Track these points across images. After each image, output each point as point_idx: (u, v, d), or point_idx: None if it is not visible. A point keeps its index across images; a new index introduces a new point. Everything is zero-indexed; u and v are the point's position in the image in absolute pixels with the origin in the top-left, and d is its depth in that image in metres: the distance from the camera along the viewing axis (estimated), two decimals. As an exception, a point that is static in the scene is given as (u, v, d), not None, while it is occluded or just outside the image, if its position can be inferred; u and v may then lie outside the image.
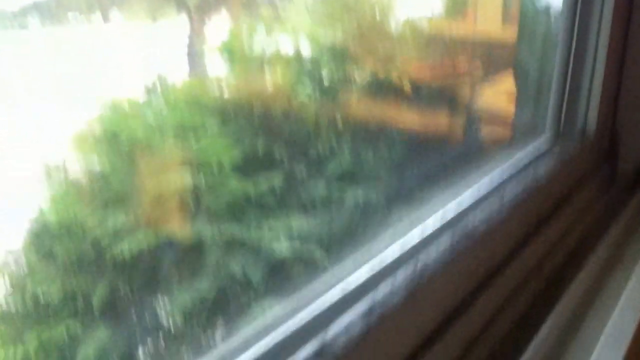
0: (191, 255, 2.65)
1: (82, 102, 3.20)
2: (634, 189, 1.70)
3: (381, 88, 3.41)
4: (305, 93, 3.35)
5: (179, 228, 2.69)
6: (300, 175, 2.99)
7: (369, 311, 0.85)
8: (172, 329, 2.68)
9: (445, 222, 1.10)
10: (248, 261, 2.62)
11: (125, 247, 2.61)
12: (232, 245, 2.65)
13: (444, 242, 1.03)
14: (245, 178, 2.88)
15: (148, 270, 2.71)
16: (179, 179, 2.76)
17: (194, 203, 2.77)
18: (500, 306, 1.12)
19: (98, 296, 2.60)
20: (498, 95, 3.80)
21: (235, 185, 2.82)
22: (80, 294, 2.67)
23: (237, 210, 2.80)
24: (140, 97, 3.25)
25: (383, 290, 0.90)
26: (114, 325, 2.62)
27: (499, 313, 1.10)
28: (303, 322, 0.83)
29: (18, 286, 2.80)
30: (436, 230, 1.07)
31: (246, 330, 0.83)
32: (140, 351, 2.65)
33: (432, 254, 1.00)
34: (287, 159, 3.04)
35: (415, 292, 0.91)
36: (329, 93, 3.37)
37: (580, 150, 1.54)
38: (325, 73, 3.43)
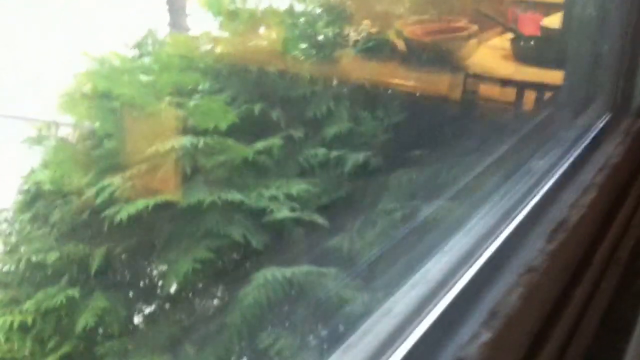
0: (189, 219, 2.61)
1: (68, 57, 3.11)
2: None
3: (377, 47, 3.36)
4: (300, 50, 3.29)
5: (176, 192, 2.64)
6: (299, 138, 2.94)
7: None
8: (171, 295, 2.66)
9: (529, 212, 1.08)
10: (248, 226, 2.58)
11: (121, 211, 2.55)
12: (230, 209, 2.61)
13: (538, 234, 1.02)
14: (242, 141, 2.83)
15: (145, 235, 2.66)
16: (174, 141, 2.69)
17: (191, 166, 2.72)
18: (591, 294, 1.12)
19: (96, 261, 2.56)
20: (493, 53, 3.78)
21: (232, 147, 2.76)
22: (77, 259, 2.62)
23: (235, 174, 2.75)
24: (129, 52, 3.17)
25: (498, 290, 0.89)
26: (112, 291, 2.59)
27: (590, 301, 1.11)
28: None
29: (11, 247, 2.75)
30: (524, 221, 1.05)
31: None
32: (138, 317, 2.63)
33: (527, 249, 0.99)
34: (284, 122, 2.98)
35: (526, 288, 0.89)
36: (324, 51, 3.31)
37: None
38: (319, 30, 3.36)
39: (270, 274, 2.42)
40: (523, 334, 0.89)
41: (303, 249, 2.66)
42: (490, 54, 3.71)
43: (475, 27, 3.69)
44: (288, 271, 2.43)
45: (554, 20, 4.20)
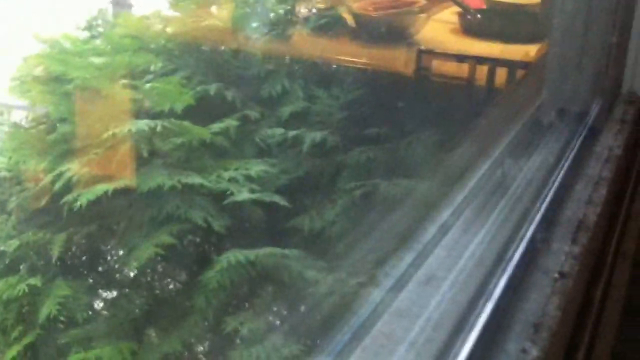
0: (149, 204, 2.60)
1: (18, 39, 3.04)
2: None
3: (330, 24, 3.36)
4: (252, 29, 3.27)
5: (134, 176, 2.62)
6: (255, 118, 2.94)
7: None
8: (134, 280, 2.66)
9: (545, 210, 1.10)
10: (209, 209, 2.58)
11: (80, 197, 2.53)
12: (191, 193, 2.60)
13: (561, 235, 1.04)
14: (199, 122, 2.82)
15: (106, 221, 2.65)
16: (131, 124, 2.67)
17: (148, 150, 2.70)
18: (606, 292, 1.15)
19: (56, 248, 2.53)
20: (442, 27, 3.81)
21: (190, 129, 2.75)
22: (37, 246, 2.60)
23: (193, 156, 2.74)
24: (80, 34, 3.12)
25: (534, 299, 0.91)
26: (75, 278, 2.57)
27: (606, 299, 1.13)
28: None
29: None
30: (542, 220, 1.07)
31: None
32: (101, 304, 2.62)
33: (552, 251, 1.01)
34: (239, 102, 2.97)
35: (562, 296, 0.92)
36: (276, 29, 3.29)
37: (633, 111, 1.58)
38: (271, 7, 3.35)
39: (233, 257, 2.43)
40: (563, 344, 0.91)
41: (265, 231, 2.68)
42: (438, 29, 3.73)
43: (423, 1, 3.70)
44: (251, 254, 2.44)
45: (499, -7, 4.24)
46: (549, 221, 1.09)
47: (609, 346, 1.11)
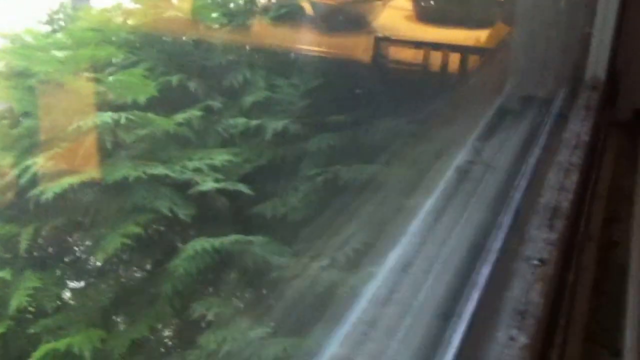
0: (115, 195, 2.64)
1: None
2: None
3: (289, 13, 3.41)
4: (212, 19, 3.31)
5: (100, 168, 2.66)
6: (217, 108, 2.99)
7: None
8: (102, 270, 2.70)
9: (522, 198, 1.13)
10: (174, 199, 2.63)
11: (47, 191, 2.56)
12: (156, 183, 2.65)
13: (537, 222, 1.06)
14: (162, 113, 2.86)
15: (73, 213, 2.69)
16: (95, 117, 2.70)
17: (112, 142, 2.74)
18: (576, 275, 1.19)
19: (24, 241, 2.57)
20: (397, 14, 3.88)
21: (153, 121, 2.79)
22: (4, 239, 2.63)
23: (158, 147, 2.79)
24: (41, 28, 3.13)
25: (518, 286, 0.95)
26: (43, 270, 2.61)
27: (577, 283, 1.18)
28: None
29: None
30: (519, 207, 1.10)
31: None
32: (70, 294, 2.66)
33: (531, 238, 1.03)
34: (202, 92, 3.02)
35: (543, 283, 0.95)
36: (236, 19, 3.34)
37: (597, 97, 1.62)
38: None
39: (199, 245, 2.48)
40: (545, 328, 0.90)
41: (230, 218, 2.74)
42: (394, 15, 3.80)
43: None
44: (216, 241, 2.50)
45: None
46: (524, 208, 1.12)
47: (583, 328, 1.13)
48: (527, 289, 0.90)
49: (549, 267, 0.96)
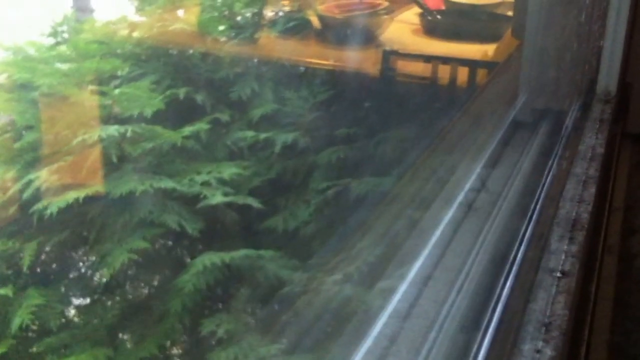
0: (122, 209, 2.57)
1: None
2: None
3: (298, 26, 3.37)
4: (220, 32, 3.26)
5: (106, 182, 2.60)
6: (225, 121, 2.94)
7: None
8: (108, 286, 2.63)
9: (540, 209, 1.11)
10: (182, 213, 2.56)
11: (51, 205, 2.50)
12: (163, 197, 2.59)
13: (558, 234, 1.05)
14: (169, 126, 2.80)
15: (78, 228, 2.61)
16: (101, 130, 2.64)
17: (118, 155, 2.68)
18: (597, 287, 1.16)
19: (27, 257, 2.50)
20: (404, 28, 3.84)
21: (160, 134, 2.73)
22: (7, 255, 2.56)
23: (165, 160, 2.73)
24: (45, 40, 3.08)
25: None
26: (47, 287, 2.54)
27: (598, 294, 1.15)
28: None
29: None
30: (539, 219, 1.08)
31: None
32: (75, 311, 2.59)
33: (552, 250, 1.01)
34: (209, 105, 2.97)
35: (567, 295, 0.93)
36: (244, 32, 3.29)
37: (609, 110, 1.61)
38: (238, 10, 3.35)
39: (208, 260, 2.42)
40: (569, 341, 0.92)
41: (239, 233, 2.67)
42: (401, 29, 3.77)
43: (386, 3, 3.74)
44: (226, 256, 2.43)
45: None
46: (544, 220, 1.11)
47: (605, 340, 1.13)
48: (551, 301, 0.90)
49: (571, 278, 0.96)
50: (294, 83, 3.16)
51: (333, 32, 3.48)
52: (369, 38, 3.53)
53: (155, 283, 2.69)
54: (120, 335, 2.50)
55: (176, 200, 2.60)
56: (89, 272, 2.70)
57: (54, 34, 3.09)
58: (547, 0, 1.59)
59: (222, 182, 2.67)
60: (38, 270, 2.63)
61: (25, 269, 2.50)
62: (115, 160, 2.66)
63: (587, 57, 1.72)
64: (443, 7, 4.10)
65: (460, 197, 1.27)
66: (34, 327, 2.46)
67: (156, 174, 2.65)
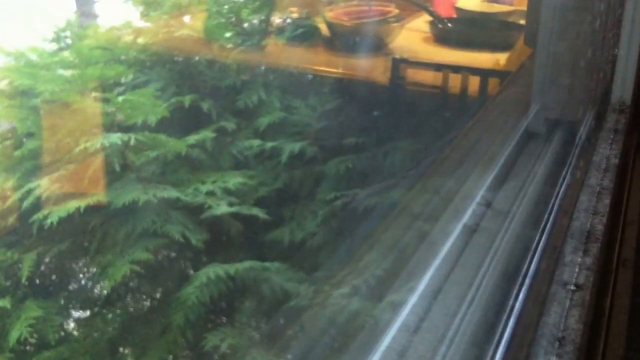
0: (124, 219, 2.51)
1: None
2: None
3: (306, 34, 3.32)
4: (226, 39, 3.21)
5: (108, 191, 2.54)
6: (231, 129, 2.88)
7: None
8: (109, 298, 2.56)
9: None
10: (186, 223, 2.50)
11: (51, 215, 2.44)
12: (167, 207, 2.53)
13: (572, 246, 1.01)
14: (173, 134, 2.75)
15: (79, 238, 2.56)
16: (103, 138, 2.58)
17: (121, 164, 2.62)
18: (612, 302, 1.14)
19: (25, 268, 2.44)
20: (414, 36, 3.79)
21: (164, 142, 2.67)
22: (5, 266, 2.50)
23: (169, 170, 2.67)
24: (47, 45, 3.03)
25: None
26: (46, 299, 2.48)
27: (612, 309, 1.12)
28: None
29: None
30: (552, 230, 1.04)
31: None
32: (75, 324, 2.52)
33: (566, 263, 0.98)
34: (215, 113, 2.91)
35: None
36: (251, 39, 3.24)
37: (624, 120, 1.59)
38: (245, 17, 3.30)
39: (212, 272, 2.36)
40: (584, 355, 0.88)
41: (244, 244, 2.61)
42: (411, 37, 3.73)
43: (396, 10, 3.70)
44: (231, 268, 2.37)
45: (467, 1, 4.25)
46: (558, 233, 1.08)
47: (620, 355, 1.09)
48: (564, 315, 0.88)
49: (585, 292, 0.94)
50: (301, 91, 3.11)
51: (342, 40, 3.44)
52: (379, 46, 3.48)
53: (158, 295, 2.62)
54: (121, 349, 2.44)
55: (180, 211, 2.54)
56: (90, 283, 2.63)
57: (57, 39, 3.04)
58: (560, 8, 1.55)
59: (227, 191, 2.61)
60: (37, 281, 2.57)
61: (24, 280, 2.45)
62: (117, 169, 2.60)
63: (602, 65, 1.69)
64: (454, 15, 4.06)
65: (470, 209, 1.23)
66: (32, 340, 2.40)
67: (160, 183, 2.59)
